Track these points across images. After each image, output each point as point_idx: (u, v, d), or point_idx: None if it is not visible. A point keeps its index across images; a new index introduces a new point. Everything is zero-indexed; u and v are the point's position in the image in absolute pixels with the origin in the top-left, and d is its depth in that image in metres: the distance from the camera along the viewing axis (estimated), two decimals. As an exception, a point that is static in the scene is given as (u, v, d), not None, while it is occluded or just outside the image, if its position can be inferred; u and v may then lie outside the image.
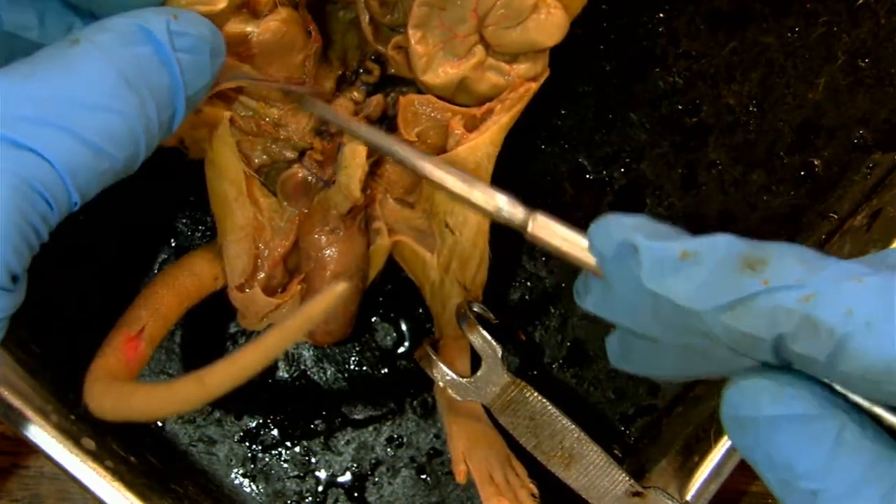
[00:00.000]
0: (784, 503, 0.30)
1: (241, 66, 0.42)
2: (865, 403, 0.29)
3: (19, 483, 0.55)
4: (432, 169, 0.38)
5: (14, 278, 0.33)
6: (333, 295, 0.32)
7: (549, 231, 0.36)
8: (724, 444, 0.49)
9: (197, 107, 0.39)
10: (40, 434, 0.47)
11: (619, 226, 0.32)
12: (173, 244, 0.53)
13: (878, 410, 0.29)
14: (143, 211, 0.53)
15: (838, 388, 0.29)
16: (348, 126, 0.43)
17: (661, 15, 0.55)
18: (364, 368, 0.54)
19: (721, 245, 0.30)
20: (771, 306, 0.28)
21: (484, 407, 0.50)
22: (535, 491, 0.49)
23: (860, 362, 0.27)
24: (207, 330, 0.54)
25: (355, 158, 0.44)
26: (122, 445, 0.49)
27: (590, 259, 0.34)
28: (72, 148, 0.32)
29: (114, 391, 0.37)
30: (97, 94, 0.32)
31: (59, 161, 0.32)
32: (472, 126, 0.46)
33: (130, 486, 0.48)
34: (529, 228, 0.36)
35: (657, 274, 0.30)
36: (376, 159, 0.47)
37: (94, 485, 0.47)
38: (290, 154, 0.46)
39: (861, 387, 0.28)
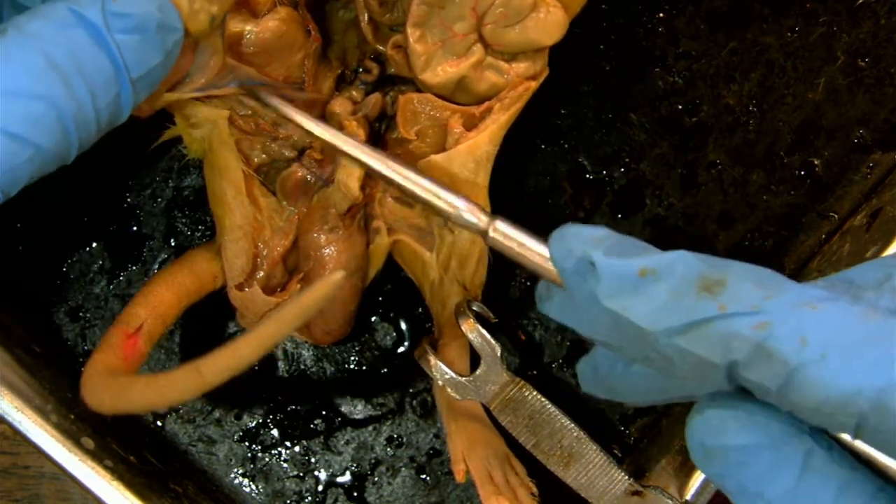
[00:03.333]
0: None
1: (243, 67, 0.42)
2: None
3: (19, 483, 0.55)
4: (405, 172, 0.39)
5: None
6: (329, 284, 0.32)
7: (510, 238, 0.35)
8: (723, 444, 0.49)
9: (160, 88, 0.38)
10: (40, 433, 0.47)
11: (579, 239, 0.32)
12: (173, 243, 0.53)
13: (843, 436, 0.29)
14: (143, 210, 0.53)
15: None
16: (327, 137, 0.42)
17: (661, 15, 0.55)
18: (364, 368, 0.54)
19: (680, 264, 0.29)
20: (725, 332, 0.28)
21: (483, 406, 0.49)
22: (535, 490, 0.49)
23: (814, 394, 0.26)
24: (207, 329, 0.54)
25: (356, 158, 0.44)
26: (122, 445, 0.49)
27: (550, 268, 0.33)
28: None
29: (111, 383, 0.37)
30: (19, 81, 0.31)
31: None
32: (471, 125, 0.46)
33: (130, 485, 0.48)
34: (490, 234, 0.36)
35: (614, 292, 0.30)
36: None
37: (93, 484, 0.47)
38: (289, 153, 0.46)
39: (815, 418, 0.27)
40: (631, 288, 0.29)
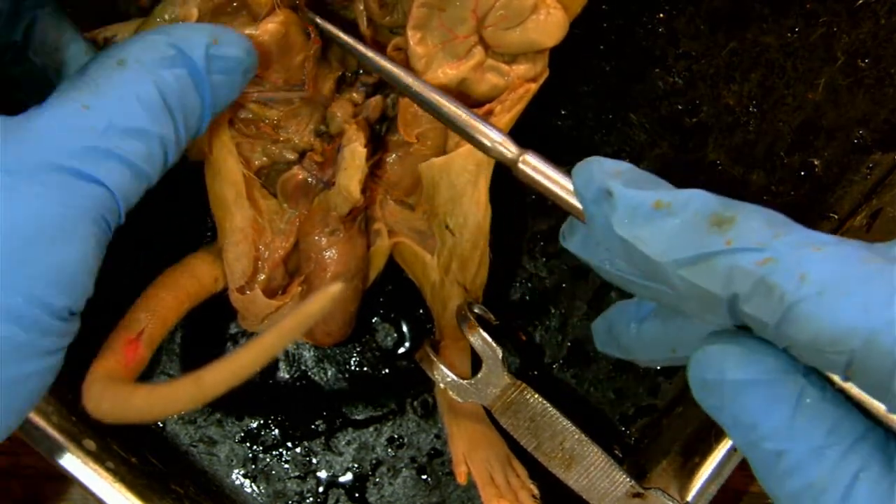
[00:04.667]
0: (752, 463, 0.31)
1: None
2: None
3: (19, 483, 0.55)
4: (441, 101, 0.40)
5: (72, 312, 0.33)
6: (329, 295, 0.33)
7: (538, 170, 0.37)
8: (724, 445, 0.49)
9: None
10: (41, 435, 0.47)
11: (600, 169, 0.33)
12: (173, 246, 0.53)
13: (836, 379, 0.30)
14: (143, 213, 0.53)
15: None
16: (366, 56, 0.43)
17: (661, 15, 0.55)
18: (365, 369, 0.54)
19: (695, 200, 0.30)
20: (729, 266, 0.29)
21: (484, 408, 0.50)
22: (536, 492, 0.49)
23: (808, 330, 0.27)
24: (207, 331, 0.54)
25: (354, 160, 0.44)
26: (123, 446, 0.50)
27: (574, 202, 0.35)
28: (124, 174, 0.33)
29: (113, 392, 0.37)
30: (143, 119, 0.33)
31: (117, 188, 0.33)
32: (472, 127, 0.46)
33: (131, 486, 0.48)
34: (519, 165, 0.37)
35: (628, 221, 0.31)
36: (376, 161, 0.47)
37: (94, 485, 0.47)
38: (289, 155, 0.46)
39: (808, 355, 0.28)
40: (644, 218, 0.31)
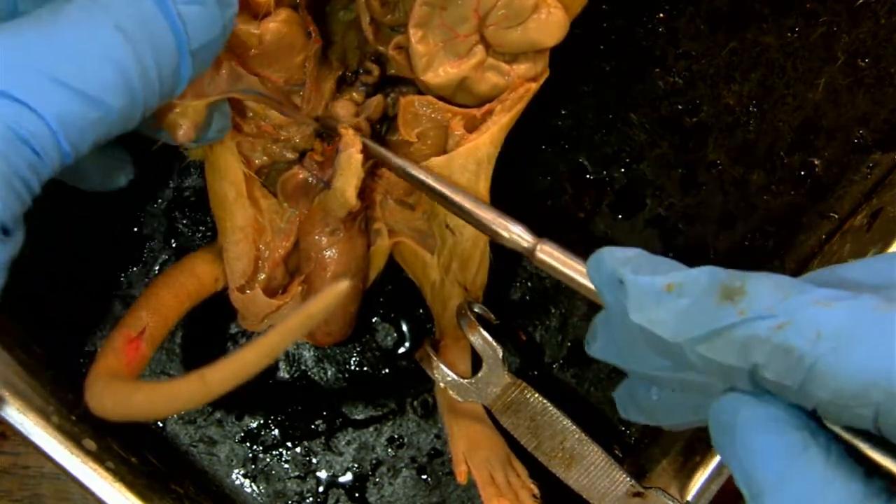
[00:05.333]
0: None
1: (248, 76, 0.42)
2: (845, 435, 0.29)
3: (19, 483, 0.55)
4: (461, 198, 0.42)
5: (5, 230, 0.33)
6: (334, 294, 0.32)
7: (554, 257, 0.38)
8: (724, 445, 0.49)
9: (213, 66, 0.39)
10: (41, 434, 0.47)
11: (612, 259, 0.34)
12: (174, 245, 0.53)
13: (847, 437, 0.29)
14: (143, 211, 0.53)
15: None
16: (386, 157, 0.45)
17: (661, 15, 0.55)
18: (365, 369, 0.54)
19: (703, 277, 0.31)
20: (745, 336, 0.29)
21: (485, 408, 0.50)
22: (536, 491, 0.49)
23: (830, 386, 0.27)
24: (208, 330, 0.54)
25: (351, 166, 0.44)
26: (123, 446, 0.49)
27: (591, 287, 0.36)
28: (62, 98, 0.32)
29: (116, 390, 0.37)
30: (90, 43, 0.32)
31: (49, 111, 0.32)
32: (472, 127, 0.46)
33: (131, 486, 0.48)
34: (536, 254, 0.39)
35: (641, 307, 0.31)
36: (375, 161, 0.47)
37: (94, 485, 0.47)
38: (290, 155, 0.46)
39: (836, 412, 0.28)
40: (656, 302, 0.31)
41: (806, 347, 0.27)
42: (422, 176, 0.43)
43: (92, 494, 0.48)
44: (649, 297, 0.31)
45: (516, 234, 0.41)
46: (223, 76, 0.40)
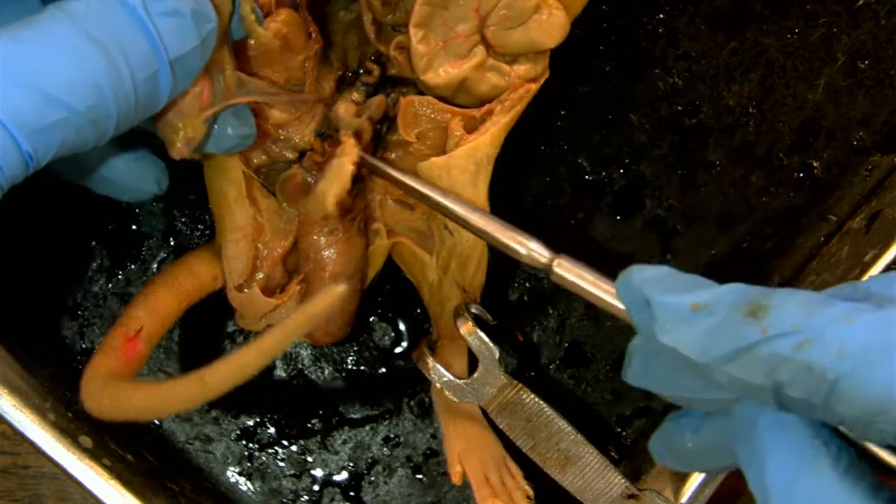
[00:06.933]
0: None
1: (254, 81, 0.42)
2: (873, 448, 0.29)
3: (19, 483, 0.55)
4: (475, 217, 0.42)
5: None
6: (333, 295, 0.33)
7: (573, 272, 0.38)
8: (720, 447, 0.49)
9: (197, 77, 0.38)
10: (38, 432, 0.47)
11: (640, 279, 0.33)
12: (172, 243, 0.53)
13: (871, 447, 0.29)
14: (142, 209, 0.53)
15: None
16: (386, 172, 0.44)
17: (661, 16, 0.55)
18: (362, 368, 0.54)
19: (730, 295, 0.30)
20: (768, 354, 0.28)
21: (481, 408, 0.50)
22: (531, 493, 0.49)
23: (854, 403, 0.27)
24: (206, 329, 0.54)
25: (339, 175, 0.43)
26: (120, 443, 0.49)
27: (611, 303, 0.36)
28: (17, 95, 0.31)
29: (113, 390, 0.37)
30: (53, 45, 0.32)
31: (4, 111, 0.31)
32: (471, 127, 0.46)
33: (127, 483, 0.48)
34: (554, 269, 0.39)
35: (669, 328, 0.31)
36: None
37: (91, 483, 0.47)
38: (289, 154, 0.46)
39: (860, 429, 0.28)
40: (683, 322, 0.31)
41: (829, 364, 0.27)
42: (426, 191, 0.43)
43: (88, 492, 0.48)
44: (676, 318, 0.31)
45: (533, 249, 0.40)
46: (229, 86, 0.40)
